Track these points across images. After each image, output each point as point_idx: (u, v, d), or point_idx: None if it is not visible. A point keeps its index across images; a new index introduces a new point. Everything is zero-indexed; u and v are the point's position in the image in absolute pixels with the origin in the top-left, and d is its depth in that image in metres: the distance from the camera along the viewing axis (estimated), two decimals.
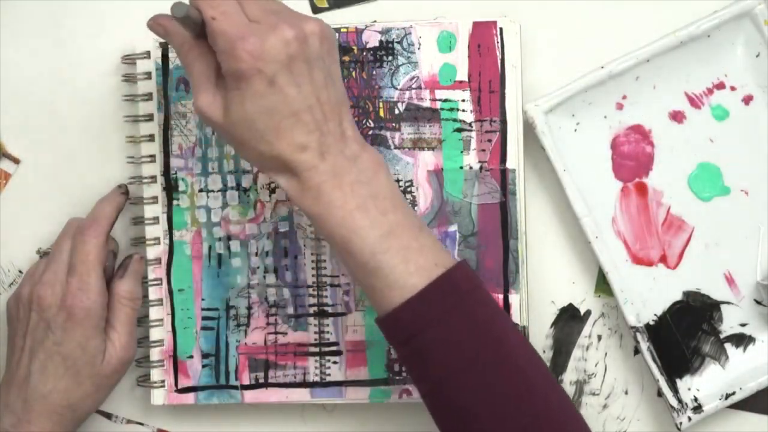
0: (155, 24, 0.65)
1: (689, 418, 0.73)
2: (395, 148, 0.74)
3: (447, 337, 0.62)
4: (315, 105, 0.62)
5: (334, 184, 0.62)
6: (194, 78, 0.64)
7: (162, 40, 0.75)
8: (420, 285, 0.62)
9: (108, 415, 0.78)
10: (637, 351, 0.75)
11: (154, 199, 0.75)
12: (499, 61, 0.74)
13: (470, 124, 0.74)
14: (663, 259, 0.75)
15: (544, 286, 0.76)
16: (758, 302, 0.75)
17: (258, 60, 0.60)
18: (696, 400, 0.74)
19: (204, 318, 0.75)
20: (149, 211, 0.75)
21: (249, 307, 0.75)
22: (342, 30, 0.74)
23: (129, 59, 0.76)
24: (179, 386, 0.75)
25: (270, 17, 0.62)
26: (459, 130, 0.74)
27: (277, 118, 0.62)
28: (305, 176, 0.62)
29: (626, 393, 0.76)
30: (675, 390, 0.73)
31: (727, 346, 0.75)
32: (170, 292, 0.75)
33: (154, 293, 0.75)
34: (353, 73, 0.75)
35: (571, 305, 0.76)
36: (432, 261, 0.63)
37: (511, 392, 0.62)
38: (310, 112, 0.62)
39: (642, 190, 0.75)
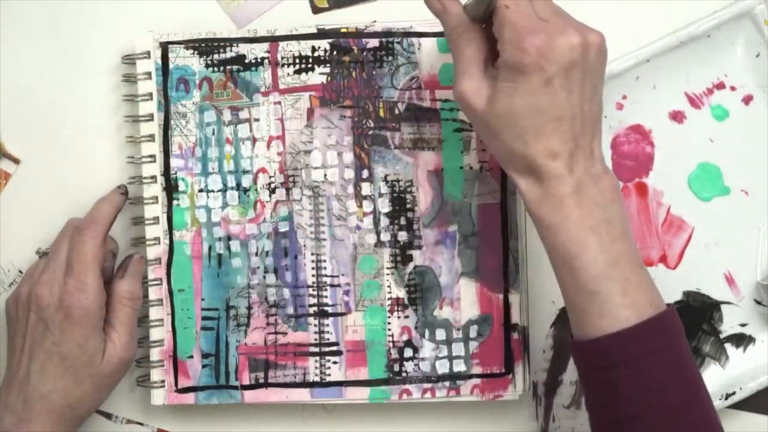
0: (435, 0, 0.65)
1: None
2: (395, 148, 0.74)
3: (648, 377, 0.61)
4: (578, 115, 0.62)
5: (576, 199, 0.62)
6: (462, 61, 0.64)
7: (163, 40, 0.75)
8: (632, 320, 0.61)
9: (108, 415, 0.78)
10: None
11: (154, 199, 0.75)
12: None
13: (470, 124, 0.74)
14: (663, 259, 0.75)
15: (544, 286, 0.76)
16: (758, 302, 0.75)
17: (542, 57, 0.61)
18: None
19: (204, 318, 0.75)
20: (149, 211, 0.75)
21: (249, 307, 0.75)
22: (342, 30, 0.74)
23: (129, 59, 0.76)
24: (179, 386, 0.75)
25: (557, 19, 0.62)
26: (459, 130, 0.74)
27: (542, 119, 0.62)
28: (550, 184, 0.62)
29: None
30: None
31: (727, 346, 0.75)
32: (170, 292, 0.75)
33: (154, 293, 0.75)
34: (353, 73, 0.75)
35: None
36: (647, 299, 0.62)
37: None
38: (571, 121, 0.62)
39: (642, 190, 0.75)
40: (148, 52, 0.75)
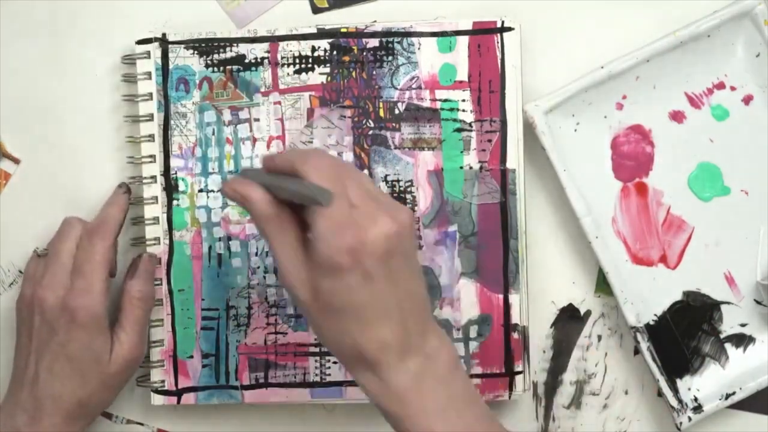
0: (232, 191, 0.62)
1: (689, 418, 0.73)
2: (395, 148, 0.74)
3: None
4: (405, 300, 0.60)
5: (415, 387, 0.60)
6: (280, 251, 0.61)
7: (163, 40, 0.75)
8: None
9: (108, 415, 0.78)
10: (637, 351, 0.75)
11: (154, 199, 0.75)
12: (499, 61, 0.74)
13: (470, 124, 0.74)
14: (663, 259, 0.75)
15: (544, 286, 0.76)
16: (758, 302, 0.75)
17: (357, 253, 0.58)
18: (696, 400, 0.74)
19: (204, 318, 0.75)
20: (149, 211, 0.75)
21: (249, 307, 0.75)
22: (342, 30, 0.74)
23: (129, 59, 0.76)
24: (179, 386, 0.75)
25: (370, 205, 0.60)
26: (459, 130, 0.74)
27: (367, 313, 0.60)
28: (385, 376, 0.60)
29: (626, 393, 0.76)
30: (675, 390, 0.73)
31: (727, 346, 0.75)
32: (170, 292, 0.75)
33: None
34: (353, 73, 0.75)
35: (571, 305, 0.76)
36: None
37: None
38: (398, 308, 0.60)
39: (642, 190, 0.75)
40: (148, 52, 0.75)
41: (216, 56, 0.75)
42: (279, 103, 0.75)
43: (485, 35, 0.74)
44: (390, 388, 0.61)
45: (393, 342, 0.60)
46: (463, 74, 0.74)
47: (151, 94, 0.75)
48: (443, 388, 0.61)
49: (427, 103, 0.74)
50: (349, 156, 0.75)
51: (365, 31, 0.74)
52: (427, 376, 0.61)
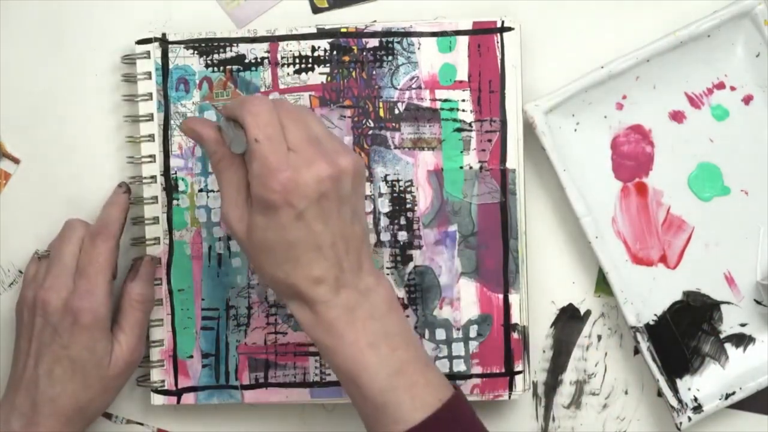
0: (188, 129, 0.65)
1: (689, 418, 0.73)
2: (395, 148, 0.74)
3: None
4: (339, 241, 0.62)
5: (347, 320, 0.62)
6: (224, 188, 0.64)
7: (163, 40, 0.75)
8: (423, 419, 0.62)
9: (108, 415, 0.78)
10: (637, 351, 0.75)
11: (154, 199, 0.75)
12: (499, 61, 0.74)
13: (470, 124, 0.74)
14: (663, 259, 0.75)
15: (544, 286, 0.76)
16: (758, 302, 0.75)
17: (289, 194, 0.61)
18: (696, 400, 0.74)
19: (204, 318, 0.75)
20: (149, 211, 0.75)
21: (249, 307, 0.75)
22: (342, 30, 0.74)
23: (129, 59, 0.76)
24: (179, 386, 0.75)
25: (309, 149, 0.62)
26: (459, 130, 0.74)
27: (298, 251, 0.62)
28: (318, 309, 0.63)
29: (626, 393, 0.76)
30: (675, 390, 0.73)
31: (727, 346, 0.75)
32: (170, 292, 0.75)
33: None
34: (353, 73, 0.75)
35: (571, 305, 0.76)
36: (437, 397, 0.63)
37: None
38: (332, 248, 0.62)
39: (642, 190, 0.75)
40: (148, 52, 0.75)
41: (216, 56, 0.75)
42: None
43: (485, 35, 0.74)
44: (323, 321, 0.63)
45: (325, 278, 0.62)
46: (463, 74, 0.74)
47: (151, 94, 0.75)
48: (377, 324, 0.63)
49: (427, 103, 0.74)
50: None
51: (365, 31, 0.74)
52: (361, 310, 0.63)
